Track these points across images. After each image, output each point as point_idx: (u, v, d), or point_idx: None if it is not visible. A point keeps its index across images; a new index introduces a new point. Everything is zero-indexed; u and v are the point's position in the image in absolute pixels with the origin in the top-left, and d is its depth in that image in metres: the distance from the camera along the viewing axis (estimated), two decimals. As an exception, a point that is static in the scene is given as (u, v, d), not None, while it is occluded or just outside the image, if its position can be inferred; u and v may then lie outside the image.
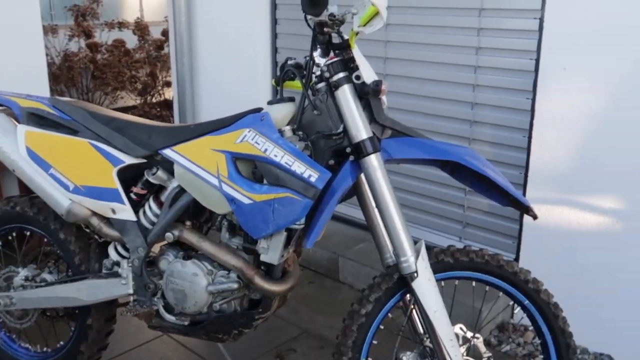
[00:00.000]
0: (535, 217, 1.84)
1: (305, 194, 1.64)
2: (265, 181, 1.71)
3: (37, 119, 2.03)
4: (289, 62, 1.85)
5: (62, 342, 2.25)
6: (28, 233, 2.22)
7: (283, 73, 1.82)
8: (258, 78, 3.49)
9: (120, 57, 6.23)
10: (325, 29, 1.64)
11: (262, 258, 1.77)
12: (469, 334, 1.83)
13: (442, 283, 1.83)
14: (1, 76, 3.33)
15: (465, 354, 1.80)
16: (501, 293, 1.82)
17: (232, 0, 3.49)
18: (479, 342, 1.84)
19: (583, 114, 2.27)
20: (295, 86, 1.85)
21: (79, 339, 2.17)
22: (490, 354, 1.83)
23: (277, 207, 1.67)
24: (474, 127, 2.74)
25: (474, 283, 1.83)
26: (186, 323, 1.94)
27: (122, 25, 6.41)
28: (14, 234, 2.26)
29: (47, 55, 6.14)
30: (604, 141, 2.26)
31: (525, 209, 1.79)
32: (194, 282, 1.87)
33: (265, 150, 1.69)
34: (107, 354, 2.46)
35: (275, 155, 1.67)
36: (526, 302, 1.80)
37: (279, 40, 3.48)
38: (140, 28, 6.27)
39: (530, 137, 2.46)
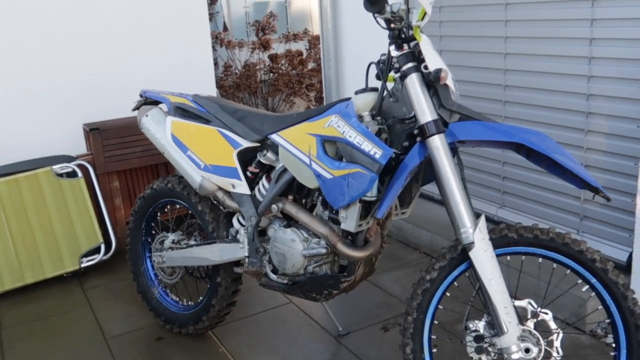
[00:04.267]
0: (607, 198, 1.87)
1: (371, 168, 1.88)
2: (343, 159, 1.98)
3: (182, 112, 2.51)
4: (381, 57, 2.09)
5: (201, 298, 2.71)
6: (178, 206, 2.73)
7: (378, 67, 2.07)
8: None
9: (295, 66, 6.86)
10: (392, 25, 1.87)
11: (342, 226, 2.03)
12: (538, 309, 1.92)
13: (508, 257, 1.95)
14: (177, 82, 3.99)
15: (533, 327, 1.89)
16: (568, 271, 1.89)
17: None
18: (548, 318, 1.92)
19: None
20: (392, 79, 2.09)
21: (211, 295, 2.61)
22: (559, 330, 1.89)
23: (351, 180, 1.93)
24: (590, 119, 2.72)
25: (540, 260, 1.91)
26: (285, 282, 2.27)
27: (296, 37, 7.04)
28: (168, 206, 2.78)
29: (231, 66, 7.01)
30: None
31: (595, 191, 1.84)
32: (291, 246, 2.20)
33: (344, 132, 1.96)
34: (240, 314, 2.90)
35: (350, 136, 1.93)
36: (593, 280, 1.84)
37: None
38: (310, 39, 6.83)
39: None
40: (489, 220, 3.31)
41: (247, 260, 2.36)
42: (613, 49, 2.58)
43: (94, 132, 3.55)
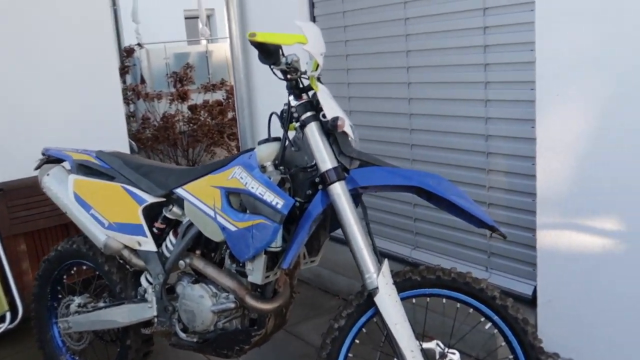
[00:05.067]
0: (503, 236, 1.95)
1: (274, 219, 1.88)
2: (247, 211, 1.97)
3: (85, 169, 2.44)
4: (284, 107, 2.12)
5: (112, 362, 2.59)
6: (84, 267, 2.63)
7: (280, 117, 2.09)
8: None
9: (215, 116, 6.85)
10: (288, 76, 1.91)
11: (249, 279, 2.01)
12: (446, 349, 1.94)
13: (413, 300, 1.97)
14: (88, 138, 3.89)
15: (442, 368, 1.91)
16: (471, 310, 1.93)
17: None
18: (456, 358, 1.94)
19: (578, 136, 2.34)
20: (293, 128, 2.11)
21: (121, 359, 2.50)
22: (468, 369, 1.93)
23: (255, 232, 1.92)
24: (490, 158, 2.84)
25: (444, 300, 1.95)
26: (195, 340, 2.21)
27: (215, 87, 7.06)
28: (75, 268, 2.67)
29: (149, 119, 6.92)
30: (600, 162, 2.30)
31: (491, 229, 1.90)
32: (200, 303, 2.15)
33: (246, 183, 1.96)
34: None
35: (252, 187, 1.93)
36: (495, 317, 1.89)
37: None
38: (229, 89, 6.87)
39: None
40: (403, 262, 3.36)
41: (156, 320, 2.29)
42: (507, 91, 2.72)
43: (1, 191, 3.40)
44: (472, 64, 2.84)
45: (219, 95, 7.13)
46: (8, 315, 3.31)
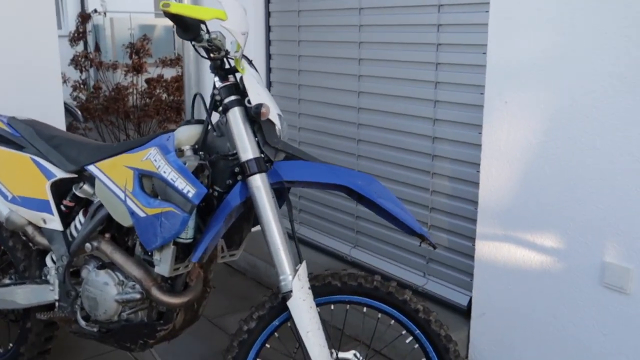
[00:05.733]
0: (433, 246, 1.82)
1: (184, 208, 1.71)
2: (159, 197, 1.80)
3: (-7, 135, 2.23)
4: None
5: (11, 344, 2.39)
6: (-10, 240, 2.41)
7: (202, 99, 1.92)
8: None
9: (172, 92, 6.59)
10: (212, 55, 1.74)
11: (156, 270, 1.84)
12: (362, 361, 1.81)
13: (332, 306, 1.83)
14: (19, 100, 3.64)
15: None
16: (393, 321, 1.80)
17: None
18: (373, 370, 1.82)
19: (524, 147, 2.22)
20: None
21: (20, 342, 2.31)
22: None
23: (164, 220, 1.75)
24: (435, 161, 2.72)
25: (364, 309, 1.81)
26: (95, 330, 2.03)
27: (172, 62, 6.80)
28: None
29: (100, 88, 6.64)
30: (544, 175, 2.19)
31: (421, 237, 1.77)
32: (104, 290, 1.97)
33: (159, 167, 1.78)
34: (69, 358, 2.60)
35: (164, 172, 1.76)
36: (417, 332, 1.77)
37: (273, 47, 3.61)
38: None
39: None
40: (342, 260, 3.23)
41: (57, 304, 2.10)
42: (455, 93, 2.60)
43: None
44: (424, 62, 2.71)
45: (174, 72, 6.87)
46: None
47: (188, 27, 1.64)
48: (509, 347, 2.40)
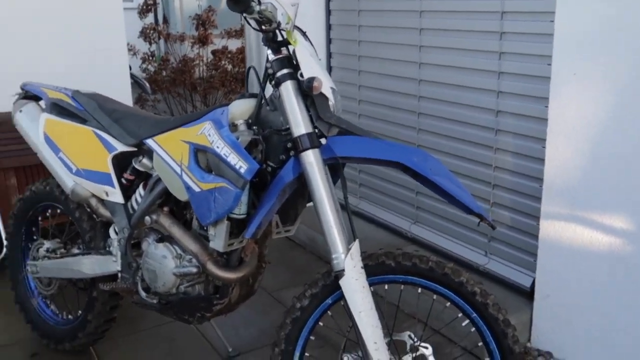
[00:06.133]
0: (492, 227, 1.75)
1: (236, 184, 1.70)
2: (213, 172, 1.80)
3: (59, 109, 2.29)
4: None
5: (80, 311, 2.49)
6: (58, 211, 2.50)
7: (257, 72, 1.90)
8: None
9: (237, 64, 6.63)
10: (263, 27, 1.70)
11: (211, 245, 1.86)
12: (418, 342, 1.78)
13: (386, 286, 1.80)
14: (87, 75, 3.73)
15: (411, 362, 1.75)
16: (449, 303, 1.75)
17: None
18: (429, 353, 1.78)
19: (593, 122, 2.09)
20: None
21: (88, 310, 2.40)
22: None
23: (217, 196, 1.75)
24: (499, 136, 2.61)
25: (419, 290, 1.77)
26: (155, 301, 2.08)
27: (237, 33, 6.82)
28: (50, 211, 2.55)
29: (168, 60, 6.75)
30: (615, 152, 2.06)
31: (479, 217, 1.71)
32: (162, 263, 2.01)
33: (212, 142, 1.77)
34: (128, 329, 2.69)
35: (218, 147, 1.75)
36: (473, 315, 1.71)
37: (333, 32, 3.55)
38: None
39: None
40: (401, 236, 3.19)
41: (119, 275, 2.16)
42: (520, 64, 2.47)
43: (-13, 124, 3.29)
44: (487, 31, 2.59)
45: (242, 42, 6.89)
46: (-8, 250, 3.26)
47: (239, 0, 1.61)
48: (574, 332, 2.31)
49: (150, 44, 7.12)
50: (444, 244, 2.93)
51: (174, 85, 6.47)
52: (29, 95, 2.44)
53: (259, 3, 1.66)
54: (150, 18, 7.50)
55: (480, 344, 1.73)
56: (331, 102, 1.75)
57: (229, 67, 6.57)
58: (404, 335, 1.79)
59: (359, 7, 3.30)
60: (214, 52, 6.75)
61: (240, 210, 1.78)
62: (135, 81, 6.22)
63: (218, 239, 1.83)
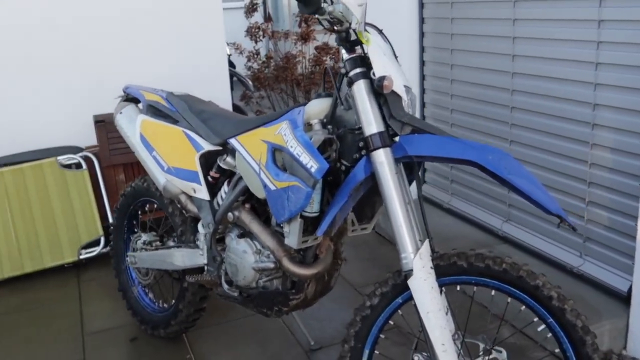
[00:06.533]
0: (573, 228, 1.67)
1: (307, 183, 1.73)
2: (287, 171, 1.84)
3: (154, 110, 2.43)
4: None
5: (173, 301, 2.64)
6: (155, 206, 2.67)
7: (331, 72, 1.93)
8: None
9: (339, 59, 6.69)
10: (336, 27, 1.71)
11: (285, 241, 1.90)
12: (491, 346, 1.73)
13: (458, 287, 1.77)
14: (189, 75, 3.92)
15: (484, 365, 1.71)
16: (523, 307, 1.69)
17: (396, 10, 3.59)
18: (502, 357, 1.73)
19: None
20: None
21: (179, 299, 2.54)
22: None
23: (290, 194, 1.79)
24: (595, 130, 2.47)
25: (493, 292, 1.72)
26: (236, 294, 2.16)
27: (339, 29, 6.86)
28: (148, 206, 2.72)
29: (272, 58, 6.93)
30: None
31: (558, 218, 1.63)
32: (243, 258, 2.09)
33: (287, 141, 1.82)
34: (218, 319, 2.82)
35: (291, 146, 1.79)
36: (549, 320, 1.64)
37: (426, 39, 3.49)
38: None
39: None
40: (492, 234, 3.09)
41: (205, 268, 2.27)
42: (621, 54, 2.31)
43: (100, 124, 3.55)
44: (584, 20, 2.44)
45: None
46: (102, 240, 3.53)
47: (308, 1, 1.64)
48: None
49: (256, 42, 7.35)
50: (537, 244, 2.82)
51: (277, 82, 6.64)
52: (130, 97, 2.61)
53: (331, 3, 1.68)
54: (258, 17, 7.74)
55: (557, 350, 1.66)
56: (404, 100, 1.73)
57: (331, 63, 6.64)
58: (477, 338, 1.75)
59: (451, -1, 3.23)
60: (316, 49, 6.85)
61: (313, 209, 1.81)
62: (238, 79, 6.47)
63: (292, 236, 1.87)
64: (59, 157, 3.52)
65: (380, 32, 1.86)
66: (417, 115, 3.62)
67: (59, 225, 3.47)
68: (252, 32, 7.14)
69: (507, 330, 2.45)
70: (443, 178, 3.52)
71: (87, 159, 3.58)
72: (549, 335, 1.66)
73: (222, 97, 4.02)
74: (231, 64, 6.46)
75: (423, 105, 3.63)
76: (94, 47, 3.70)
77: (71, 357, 2.62)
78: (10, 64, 3.55)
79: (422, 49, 3.56)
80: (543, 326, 1.67)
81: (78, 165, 3.56)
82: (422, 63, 3.56)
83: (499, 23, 2.91)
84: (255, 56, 7.21)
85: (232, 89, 6.59)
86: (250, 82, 6.43)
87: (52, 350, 2.68)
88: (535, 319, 1.68)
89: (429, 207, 3.51)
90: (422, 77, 3.58)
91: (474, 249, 1.75)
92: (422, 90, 3.61)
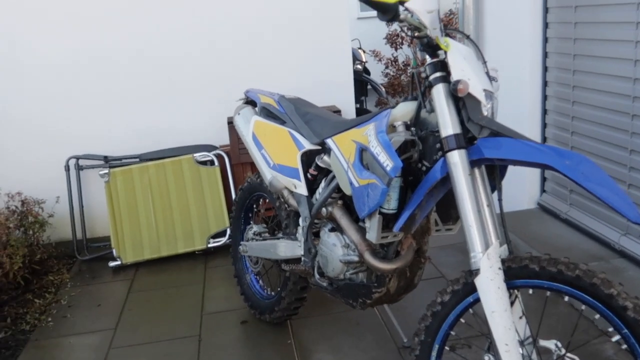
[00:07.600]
0: (654, 238, 1.60)
1: (383, 180, 1.83)
2: (369, 169, 1.95)
3: (266, 112, 2.65)
4: None
5: (279, 289, 2.84)
6: (267, 200, 2.89)
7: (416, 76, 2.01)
8: (524, 84, 3.49)
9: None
10: (416, 33, 1.79)
11: (366, 236, 2.01)
12: (564, 352, 1.71)
13: (530, 291, 1.76)
14: (308, 84, 4.13)
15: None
16: (598, 315, 1.64)
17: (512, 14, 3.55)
18: (574, 363, 1.70)
19: None
20: None
21: (282, 287, 2.73)
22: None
23: (370, 191, 1.89)
24: None
25: (566, 298, 1.69)
26: (326, 284, 2.29)
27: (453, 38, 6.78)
28: (261, 200, 2.95)
29: (409, 65, 7.00)
30: None
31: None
32: (332, 251, 2.22)
33: (370, 141, 1.93)
34: (323, 310, 2.98)
35: (373, 146, 1.90)
36: (624, 331, 1.59)
37: (549, 44, 3.39)
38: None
39: None
40: (609, 247, 2.94)
41: (302, 258, 2.44)
42: None
43: (231, 124, 3.87)
44: None
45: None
46: (228, 231, 3.84)
47: (384, 9, 1.74)
48: None
49: (396, 49, 7.47)
50: (628, 245, 2.65)
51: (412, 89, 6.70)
52: (249, 100, 2.86)
53: (407, 11, 1.76)
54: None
55: (633, 362, 1.60)
56: (483, 104, 1.76)
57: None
58: (550, 343, 1.74)
59: (576, 2, 3.12)
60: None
61: (390, 206, 1.90)
62: (372, 86, 6.62)
63: (372, 231, 1.97)
64: (196, 154, 3.90)
65: (467, 37, 1.91)
66: (539, 112, 3.53)
67: (192, 215, 3.84)
68: (391, 39, 7.28)
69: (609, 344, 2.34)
70: (562, 187, 3.40)
71: (219, 157, 3.93)
72: (624, 346, 1.61)
73: (345, 103, 4.20)
74: (366, 71, 6.63)
75: (545, 106, 3.54)
76: (229, 60, 4.05)
77: (189, 332, 2.92)
78: (163, 80, 3.99)
79: (544, 55, 3.47)
80: (618, 336, 1.62)
81: (212, 162, 3.91)
82: (545, 69, 3.47)
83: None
84: (393, 63, 7.34)
85: (366, 95, 6.79)
86: (382, 89, 6.56)
87: (174, 325, 2.99)
88: (610, 329, 1.63)
89: (546, 217, 3.41)
90: (545, 82, 3.48)
91: (547, 254, 1.73)
92: (544, 97, 3.51)
